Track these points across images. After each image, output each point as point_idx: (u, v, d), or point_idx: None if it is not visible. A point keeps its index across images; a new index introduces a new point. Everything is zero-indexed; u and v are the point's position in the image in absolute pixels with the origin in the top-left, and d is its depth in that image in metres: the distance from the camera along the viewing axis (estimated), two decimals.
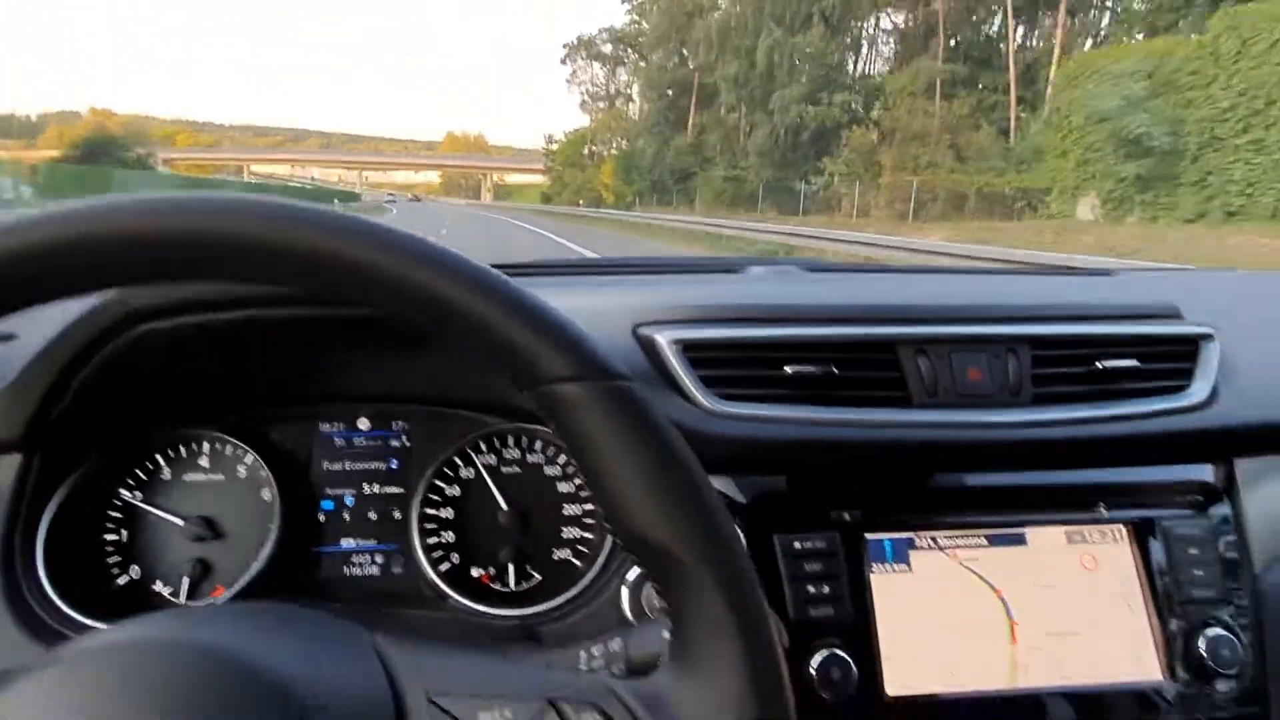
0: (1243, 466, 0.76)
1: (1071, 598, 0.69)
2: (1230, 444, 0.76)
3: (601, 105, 54.29)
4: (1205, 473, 0.75)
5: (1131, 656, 0.68)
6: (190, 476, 0.77)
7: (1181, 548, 0.71)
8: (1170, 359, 0.78)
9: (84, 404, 0.67)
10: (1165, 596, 0.70)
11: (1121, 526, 0.71)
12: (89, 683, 0.34)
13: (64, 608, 0.66)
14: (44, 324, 0.64)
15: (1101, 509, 0.72)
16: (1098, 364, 0.75)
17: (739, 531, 0.39)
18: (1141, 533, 0.71)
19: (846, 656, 0.64)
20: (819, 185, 27.68)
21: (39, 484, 0.68)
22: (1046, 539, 0.71)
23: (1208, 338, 0.79)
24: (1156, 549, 0.71)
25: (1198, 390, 0.76)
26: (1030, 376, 0.74)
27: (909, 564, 0.69)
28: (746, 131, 33.70)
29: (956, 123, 24.54)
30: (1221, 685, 0.68)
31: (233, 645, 0.36)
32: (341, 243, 0.37)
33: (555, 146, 57.95)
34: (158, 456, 0.76)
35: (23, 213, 0.35)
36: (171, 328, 0.63)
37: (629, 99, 52.03)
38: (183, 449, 0.77)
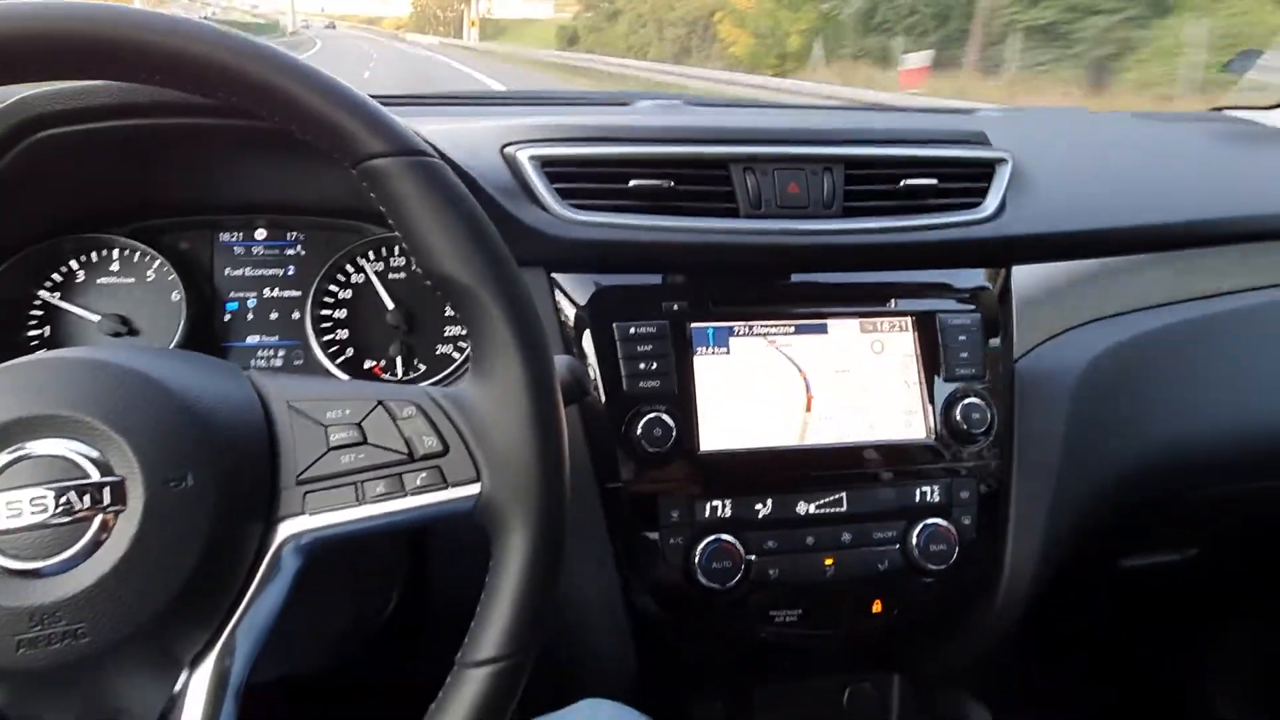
0: (1017, 272, 0.91)
1: (860, 376, 0.84)
2: (1008, 252, 0.90)
3: None
4: (983, 277, 0.90)
5: (904, 422, 0.84)
6: (103, 280, 0.86)
7: (954, 336, 0.86)
8: (967, 179, 0.90)
9: None
10: (935, 375, 0.85)
11: (907, 318, 0.86)
12: (20, 375, 0.46)
13: None
14: None
15: (892, 304, 0.86)
16: (902, 182, 0.87)
17: (520, 272, 0.51)
18: (923, 323, 0.86)
19: (669, 419, 0.78)
20: None
21: None
22: (844, 328, 0.85)
23: (1002, 161, 0.92)
24: (934, 338, 0.86)
25: (987, 206, 0.90)
26: (843, 192, 0.86)
27: (728, 348, 0.82)
28: None
29: None
30: (973, 443, 0.84)
31: (126, 359, 0.48)
32: (197, 46, 0.46)
33: None
34: (71, 262, 0.85)
35: None
36: (71, 134, 0.70)
37: None
38: (94, 254, 0.85)
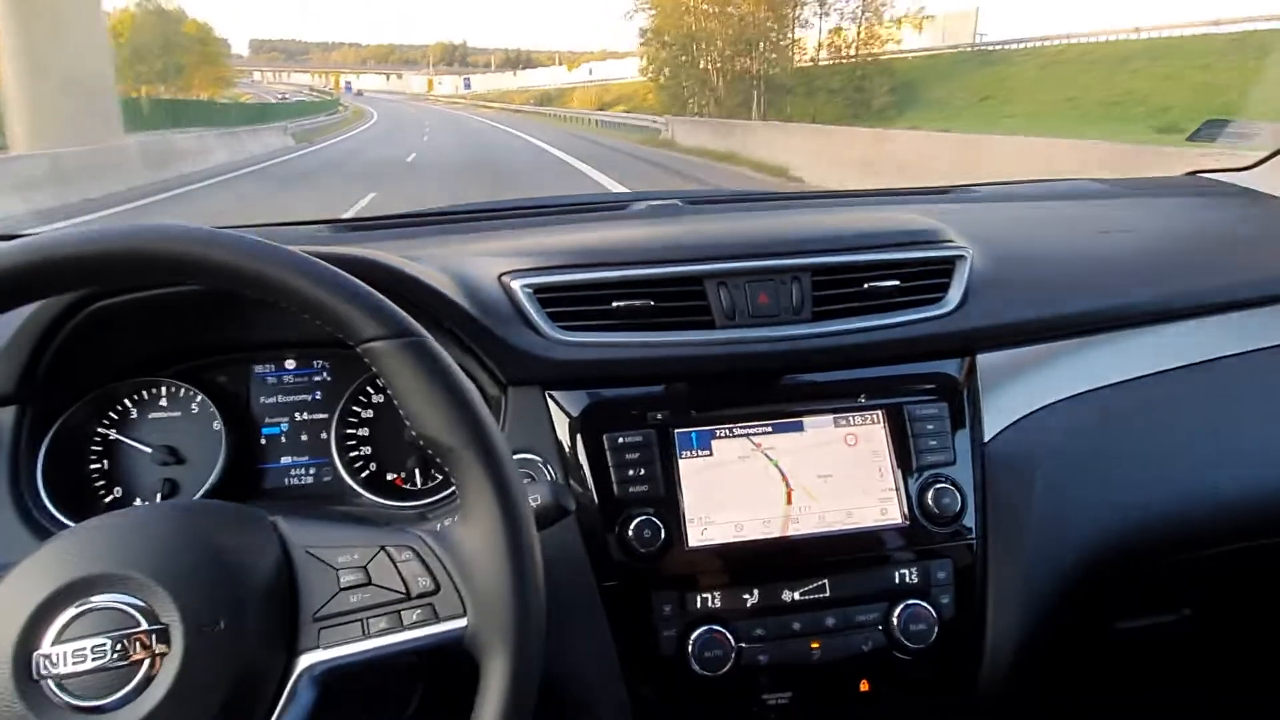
0: (982, 360, 0.97)
1: (836, 468, 0.90)
2: (972, 344, 0.97)
3: None
4: (950, 365, 0.96)
5: (879, 509, 0.90)
6: (153, 415, 0.96)
7: (922, 426, 0.92)
8: (928, 276, 0.97)
9: (60, 364, 0.86)
10: (907, 463, 0.91)
11: (878, 411, 0.92)
12: (83, 540, 0.55)
13: (65, 520, 0.86)
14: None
15: (862, 399, 0.93)
16: (865, 285, 0.94)
17: (499, 431, 0.59)
18: (892, 416, 0.92)
19: (657, 520, 0.85)
20: None
21: (33, 427, 0.88)
22: (819, 424, 0.92)
23: (961, 258, 0.99)
24: (903, 428, 0.92)
25: (949, 301, 0.96)
26: (811, 298, 0.93)
27: (711, 449, 0.90)
28: None
29: None
30: (946, 525, 0.90)
31: (166, 521, 0.57)
32: (221, 254, 0.56)
33: None
34: (126, 401, 0.96)
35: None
36: (118, 303, 0.82)
37: None
38: (145, 394, 0.96)
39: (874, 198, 1.42)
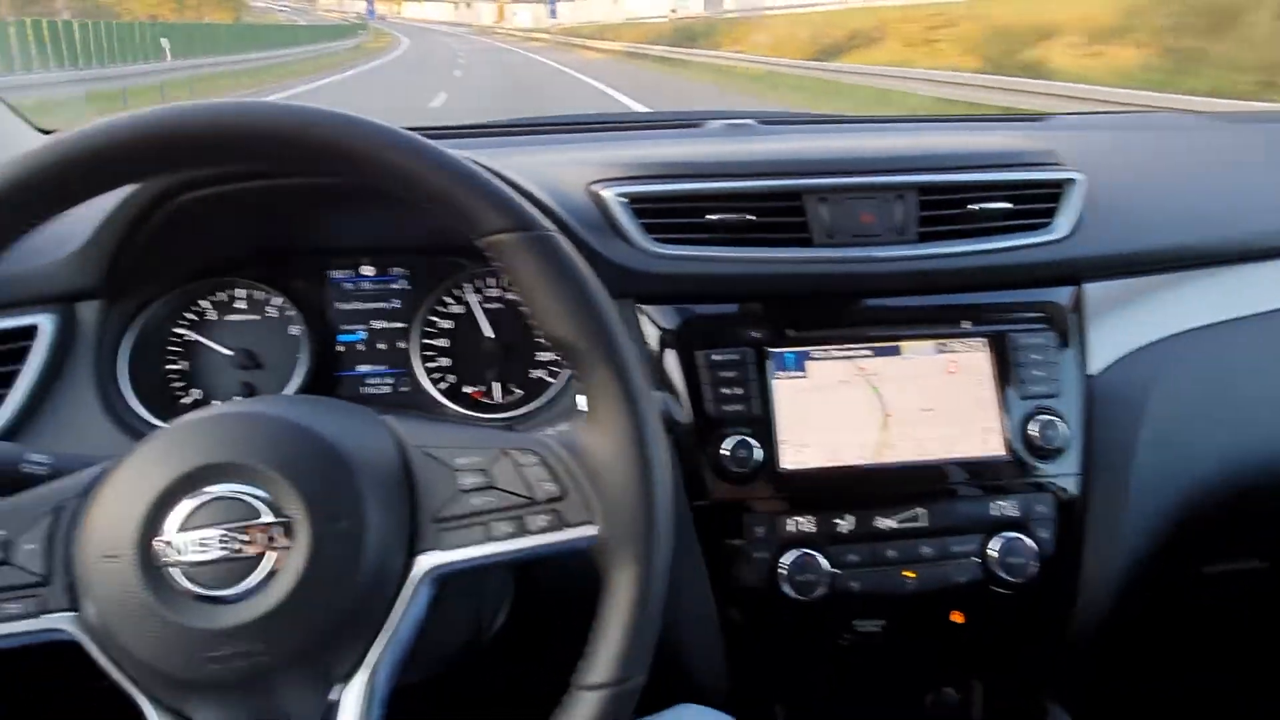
0: (1090, 290, 0.92)
1: (935, 395, 0.87)
2: (1080, 272, 0.92)
3: None
4: (1058, 294, 0.91)
5: (980, 439, 0.87)
6: (231, 318, 0.94)
7: (1027, 355, 0.88)
8: (1038, 200, 0.92)
9: (143, 259, 0.84)
10: (1010, 393, 0.87)
11: (982, 339, 0.88)
12: (204, 428, 0.53)
13: (148, 417, 0.85)
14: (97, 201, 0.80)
15: (966, 325, 0.89)
16: (976, 206, 0.90)
17: (627, 332, 0.56)
18: (997, 343, 0.88)
19: (752, 440, 0.82)
20: None
21: (117, 324, 0.86)
22: (919, 349, 0.88)
23: (1072, 182, 0.93)
24: (1007, 357, 0.88)
25: (1059, 227, 0.91)
26: (916, 218, 0.89)
27: (805, 370, 0.86)
28: None
29: None
30: (1050, 459, 0.86)
31: (286, 412, 0.55)
32: (337, 133, 0.53)
33: None
34: (203, 302, 0.94)
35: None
36: (203, 196, 0.79)
37: None
38: (223, 295, 0.94)
39: (962, 123, 1.36)
